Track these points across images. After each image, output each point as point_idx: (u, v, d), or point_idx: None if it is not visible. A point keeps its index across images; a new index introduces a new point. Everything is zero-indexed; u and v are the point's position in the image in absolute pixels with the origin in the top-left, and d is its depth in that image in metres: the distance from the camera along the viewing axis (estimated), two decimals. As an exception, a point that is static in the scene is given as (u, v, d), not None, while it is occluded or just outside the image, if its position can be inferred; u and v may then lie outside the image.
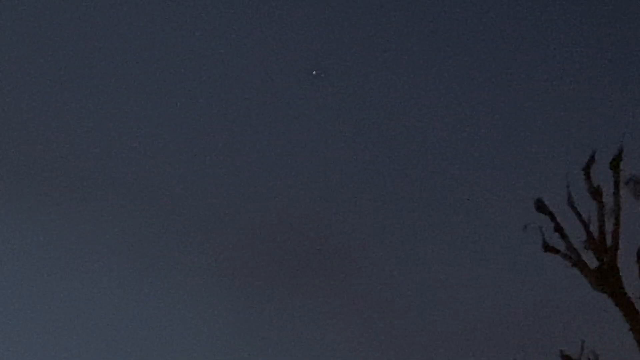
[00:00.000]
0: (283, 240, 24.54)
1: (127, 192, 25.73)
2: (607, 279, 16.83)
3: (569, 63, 24.30)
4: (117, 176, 25.81)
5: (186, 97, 26.58)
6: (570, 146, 20.93)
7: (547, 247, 17.88)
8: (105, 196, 25.52)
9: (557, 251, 17.72)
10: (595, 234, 17.30)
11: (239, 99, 26.45)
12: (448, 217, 23.11)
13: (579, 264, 17.29)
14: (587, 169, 17.85)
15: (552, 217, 18.00)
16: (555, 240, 17.78)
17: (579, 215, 17.65)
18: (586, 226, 17.48)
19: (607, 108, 21.99)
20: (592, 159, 17.89)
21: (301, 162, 26.03)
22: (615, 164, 17.52)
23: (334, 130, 26.02)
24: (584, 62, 24.13)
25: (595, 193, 17.57)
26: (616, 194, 17.30)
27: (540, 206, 18.13)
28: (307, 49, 25.31)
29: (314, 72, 23.51)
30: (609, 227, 17.20)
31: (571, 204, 17.80)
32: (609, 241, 17.11)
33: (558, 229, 17.89)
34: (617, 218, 17.14)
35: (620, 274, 16.86)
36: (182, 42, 26.43)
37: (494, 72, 24.91)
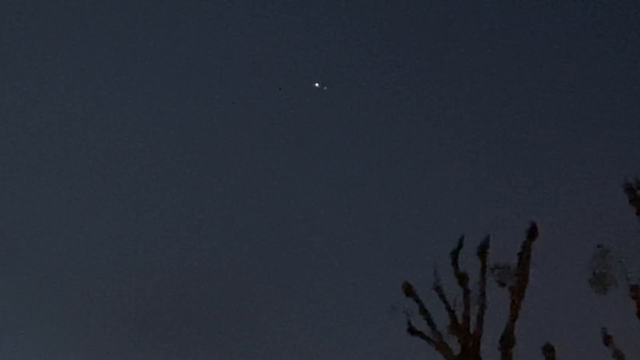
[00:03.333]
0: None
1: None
2: (469, 364, 16.98)
3: (436, 153, 24.80)
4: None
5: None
6: (439, 232, 21.26)
7: (413, 330, 18.00)
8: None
9: (422, 334, 17.85)
10: (460, 319, 17.50)
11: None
12: (318, 298, 23.06)
13: (443, 348, 17.42)
14: (454, 255, 18.14)
15: (418, 301, 18.18)
16: (420, 323, 17.95)
17: (444, 299, 17.88)
18: (451, 311, 17.70)
19: (476, 195, 22.51)
20: (459, 245, 18.21)
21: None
22: (482, 251, 17.85)
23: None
24: (451, 152, 24.66)
25: (462, 279, 17.85)
26: (482, 280, 17.61)
27: (408, 289, 18.30)
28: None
29: (316, 85, 23.07)
30: (473, 313, 17.43)
31: (437, 289, 18.02)
32: (473, 327, 17.31)
33: (424, 312, 18.07)
34: (482, 304, 17.40)
35: (483, 360, 17.05)
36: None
37: (357, 161, 25.22)
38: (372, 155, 24.94)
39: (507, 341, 16.97)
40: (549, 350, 16.96)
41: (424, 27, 25.02)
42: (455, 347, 17.31)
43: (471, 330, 17.34)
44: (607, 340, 17.02)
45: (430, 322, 17.83)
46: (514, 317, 17.12)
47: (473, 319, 17.42)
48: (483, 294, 17.50)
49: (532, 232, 17.43)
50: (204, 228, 25.00)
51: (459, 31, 24.81)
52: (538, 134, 23.37)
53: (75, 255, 24.80)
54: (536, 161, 22.56)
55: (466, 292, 17.71)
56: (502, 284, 17.44)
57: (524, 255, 17.37)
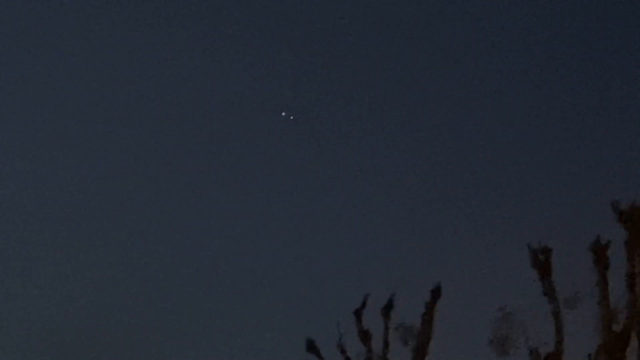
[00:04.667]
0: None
1: None
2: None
3: (343, 211, 24.97)
4: None
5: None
6: (343, 290, 21.32)
7: (315, 387, 18.02)
8: None
9: (324, 392, 17.88)
10: (363, 378, 17.58)
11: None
12: (219, 354, 22.78)
13: (344, 406, 17.48)
14: (358, 313, 18.23)
15: (321, 358, 18.20)
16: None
17: (347, 357, 17.93)
18: (354, 369, 17.78)
19: (381, 255, 22.66)
20: (363, 303, 18.31)
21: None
22: (386, 311, 17.98)
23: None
24: (358, 210, 24.86)
25: (365, 337, 17.94)
26: (385, 339, 17.72)
27: (311, 346, 18.31)
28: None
29: (283, 114, 22.98)
30: (376, 371, 17.53)
31: (341, 346, 18.07)
32: (375, 386, 17.41)
33: (326, 369, 18.11)
34: (384, 363, 17.52)
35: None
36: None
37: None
38: (285, 209, 25.07)
39: (408, 400, 17.10)
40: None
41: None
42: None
43: (373, 389, 17.43)
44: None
45: (332, 380, 17.89)
46: (415, 376, 17.26)
47: (375, 377, 17.53)
48: (386, 353, 17.62)
49: (436, 293, 17.64)
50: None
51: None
52: (443, 195, 23.76)
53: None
54: (441, 223, 22.89)
55: (369, 350, 17.81)
56: (405, 343, 17.56)
57: (427, 316, 17.55)
